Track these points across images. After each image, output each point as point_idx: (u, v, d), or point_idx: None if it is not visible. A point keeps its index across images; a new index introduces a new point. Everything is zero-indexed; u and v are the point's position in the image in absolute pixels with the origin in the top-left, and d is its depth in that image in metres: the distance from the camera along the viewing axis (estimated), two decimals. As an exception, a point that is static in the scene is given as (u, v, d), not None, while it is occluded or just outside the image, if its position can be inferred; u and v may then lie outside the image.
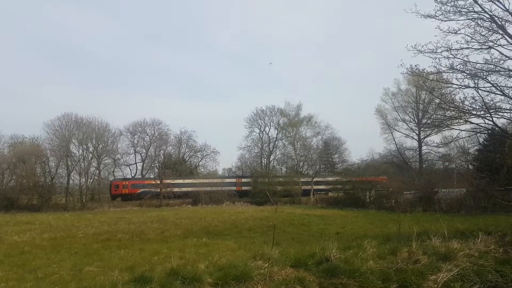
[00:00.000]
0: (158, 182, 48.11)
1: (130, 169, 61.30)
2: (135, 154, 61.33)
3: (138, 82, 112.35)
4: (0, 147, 51.95)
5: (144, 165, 60.86)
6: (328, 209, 34.48)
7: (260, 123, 60.13)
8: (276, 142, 59.39)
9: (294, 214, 26.68)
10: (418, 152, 50.43)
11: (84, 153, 51.68)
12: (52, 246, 13.59)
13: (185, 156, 63.48)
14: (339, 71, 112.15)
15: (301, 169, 55.16)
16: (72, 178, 51.13)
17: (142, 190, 49.40)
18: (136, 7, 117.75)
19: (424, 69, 13.19)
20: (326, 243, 7.34)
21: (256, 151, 60.99)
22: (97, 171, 53.38)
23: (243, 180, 54.17)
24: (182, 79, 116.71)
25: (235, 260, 7.10)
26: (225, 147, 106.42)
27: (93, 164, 52.42)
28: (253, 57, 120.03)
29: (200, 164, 64.14)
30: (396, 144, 51.29)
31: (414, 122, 49.06)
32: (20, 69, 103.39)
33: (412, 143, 51.37)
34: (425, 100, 42.46)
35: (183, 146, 63.41)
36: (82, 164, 51.02)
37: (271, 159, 59.97)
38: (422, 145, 49.77)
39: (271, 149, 59.56)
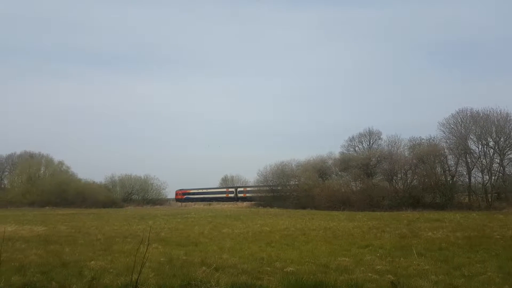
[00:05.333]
0: None
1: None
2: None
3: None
4: (401, 150, 60.31)
5: None
6: None
7: None
8: None
9: None
10: None
11: (485, 149, 50.20)
12: (467, 245, 13.94)
13: None
14: None
15: None
16: (474, 175, 51.00)
17: None
18: None
19: None
20: None
21: None
22: (501, 168, 50.04)
23: None
24: None
25: None
26: None
27: (496, 160, 49.73)
28: None
29: None
30: None
31: None
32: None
33: None
34: None
35: None
36: (484, 160, 49.75)
37: None
38: None
39: None
